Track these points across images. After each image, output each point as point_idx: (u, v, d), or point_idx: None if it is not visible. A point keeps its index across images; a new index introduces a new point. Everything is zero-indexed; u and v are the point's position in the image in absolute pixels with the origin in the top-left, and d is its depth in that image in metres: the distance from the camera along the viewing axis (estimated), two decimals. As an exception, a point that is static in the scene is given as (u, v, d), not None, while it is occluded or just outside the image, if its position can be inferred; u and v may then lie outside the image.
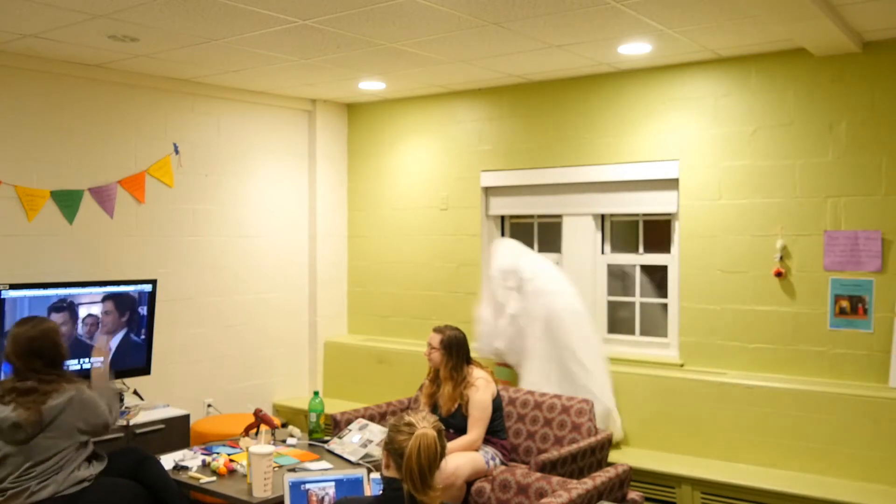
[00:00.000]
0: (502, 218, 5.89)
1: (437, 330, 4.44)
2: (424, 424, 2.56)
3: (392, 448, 2.55)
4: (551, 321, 4.98)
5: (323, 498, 3.30)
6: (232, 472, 3.87)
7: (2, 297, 4.35)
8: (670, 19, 3.95)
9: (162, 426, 4.76)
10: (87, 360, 4.63)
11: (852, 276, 4.39)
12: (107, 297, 4.81)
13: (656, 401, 4.84)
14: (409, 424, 2.55)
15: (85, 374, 4.18)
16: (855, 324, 4.38)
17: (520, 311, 5.07)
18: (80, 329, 4.68)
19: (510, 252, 5.30)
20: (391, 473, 2.57)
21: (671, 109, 4.96)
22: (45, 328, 3.49)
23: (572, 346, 4.94)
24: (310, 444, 4.38)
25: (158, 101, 5.38)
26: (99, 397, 3.52)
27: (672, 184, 4.99)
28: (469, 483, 4.08)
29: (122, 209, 5.18)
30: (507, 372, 5.25)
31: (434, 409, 4.44)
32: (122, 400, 4.80)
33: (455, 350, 4.36)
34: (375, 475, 3.36)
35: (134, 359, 4.98)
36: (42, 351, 3.43)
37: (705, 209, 4.84)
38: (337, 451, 4.19)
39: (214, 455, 4.03)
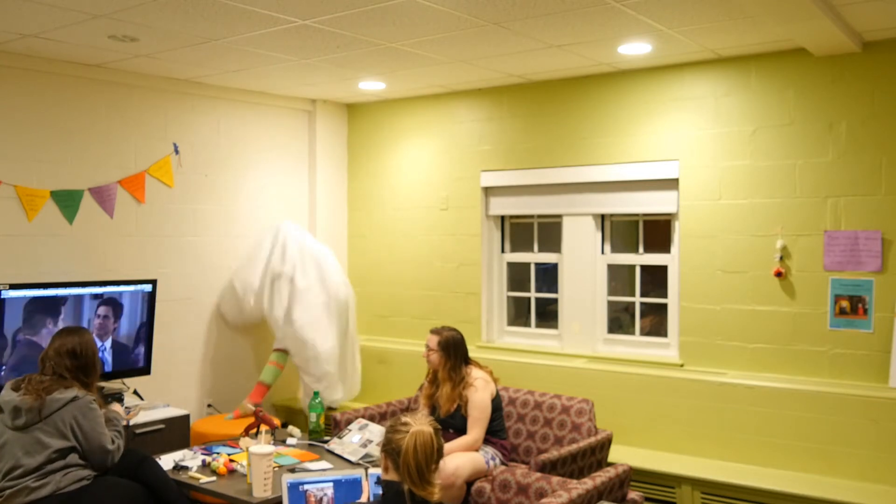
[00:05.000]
0: (502, 218, 5.89)
1: (434, 331, 4.44)
2: (421, 422, 2.57)
3: (389, 448, 2.56)
4: (341, 306, 5.64)
5: (321, 498, 3.30)
6: (232, 472, 3.88)
7: (2, 297, 4.35)
8: (670, 19, 3.95)
9: (162, 426, 4.76)
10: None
11: (852, 276, 4.39)
12: (104, 299, 4.82)
13: (656, 401, 4.84)
14: (405, 424, 2.57)
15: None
16: (855, 324, 4.38)
17: (321, 296, 5.58)
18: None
19: (303, 235, 5.77)
20: (390, 476, 2.57)
21: (671, 109, 4.96)
22: (91, 337, 3.71)
23: (354, 331, 5.83)
24: (310, 444, 4.39)
25: (158, 101, 5.38)
26: (105, 421, 3.55)
27: (672, 184, 4.99)
28: (469, 483, 4.08)
29: (122, 209, 5.18)
30: (282, 357, 5.62)
31: (433, 410, 4.43)
32: (121, 400, 4.80)
33: (453, 351, 4.36)
34: (374, 471, 3.36)
35: (134, 359, 4.98)
36: (76, 354, 3.57)
37: (705, 209, 4.84)
38: (337, 451, 4.19)
39: (214, 455, 4.03)
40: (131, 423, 4.52)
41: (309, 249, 5.67)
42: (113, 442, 3.54)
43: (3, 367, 4.37)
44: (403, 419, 2.60)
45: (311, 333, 5.45)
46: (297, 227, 5.81)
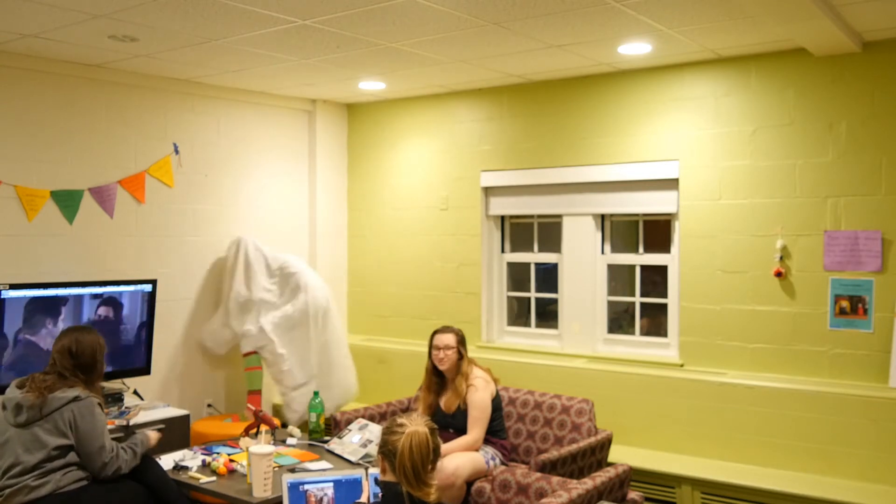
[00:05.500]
0: (502, 218, 5.89)
1: (444, 331, 4.36)
2: (416, 423, 2.57)
3: (386, 450, 2.56)
4: (318, 313, 5.47)
5: (322, 498, 3.30)
6: (232, 472, 3.88)
7: (2, 297, 4.35)
8: (670, 19, 3.95)
9: (162, 426, 4.75)
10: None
11: (852, 276, 4.39)
12: (104, 299, 4.82)
13: (656, 401, 4.84)
14: (401, 425, 2.58)
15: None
16: (855, 324, 4.38)
17: (297, 304, 5.46)
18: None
19: (263, 251, 5.64)
20: (388, 477, 2.57)
21: (671, 109, 4.96)
22: (95, 338, 3.68)
23: (337, 336, 5.59)
24: (310, 444, 4.38)
25: (158, 101, 5.38)
26: (104, 425, 3.54)
27: (672, 184, 4.99)
28: (469, 483, 4.08)
29: (122, 209, 5.18)
30: (256, 359, 5.52)
31: (434, 413, 4.38)
32: (121, 400, 4.81)
33: (465, 345, 4.36)
34: (374, 471, 3.36)
35: (134, 359, 4.98)
36: (72, 353, 3.56)
37: (705, 209, 4.84)
38: (337, 451, 4.19)
39: (214, 455, 4.03)
40: (131, 423, 4.51)
41: (274, 264, 5.57)
42: (112, 450, 3.50)
43: (2, 367, 4.37)
44: (399, 420, 2.60)
45: (284, 348, 5.40)
46: (255, 241, 5.63)
